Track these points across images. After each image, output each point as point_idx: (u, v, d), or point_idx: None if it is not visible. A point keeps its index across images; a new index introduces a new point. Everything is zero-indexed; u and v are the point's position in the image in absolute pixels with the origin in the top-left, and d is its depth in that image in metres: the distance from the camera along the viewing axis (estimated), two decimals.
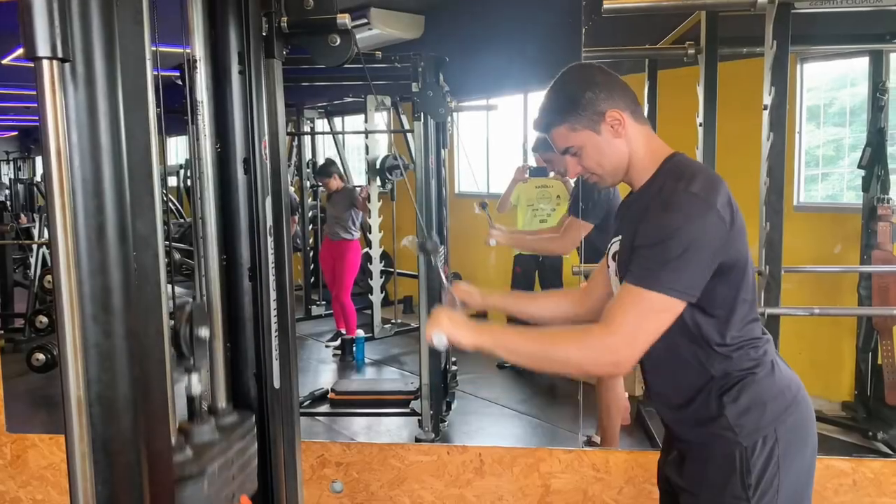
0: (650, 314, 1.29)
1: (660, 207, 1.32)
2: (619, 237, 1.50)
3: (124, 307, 0.97)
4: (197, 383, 1.29)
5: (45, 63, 0.83)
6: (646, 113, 3.85)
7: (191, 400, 1.29)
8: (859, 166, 3.75)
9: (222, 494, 1.28)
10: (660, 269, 1.28)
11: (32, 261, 6.24)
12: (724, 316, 1.38)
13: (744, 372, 1.40)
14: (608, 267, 1.57)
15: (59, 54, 0.83)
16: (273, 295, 1.51)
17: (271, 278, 1.51)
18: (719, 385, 1.40)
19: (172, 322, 1.21)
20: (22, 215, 8.97)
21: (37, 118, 0.86)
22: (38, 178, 12.00)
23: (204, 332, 1.27)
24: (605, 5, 1.98)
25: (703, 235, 1.29)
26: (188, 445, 1.25)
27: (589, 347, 1.31)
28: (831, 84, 4.58)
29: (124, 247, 0.97)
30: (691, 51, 3.13)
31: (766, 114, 1.93)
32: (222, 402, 1.42)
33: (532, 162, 5.16)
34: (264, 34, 1.50)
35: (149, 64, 1.07)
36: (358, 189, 5.99)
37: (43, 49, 0.82)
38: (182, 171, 8.53)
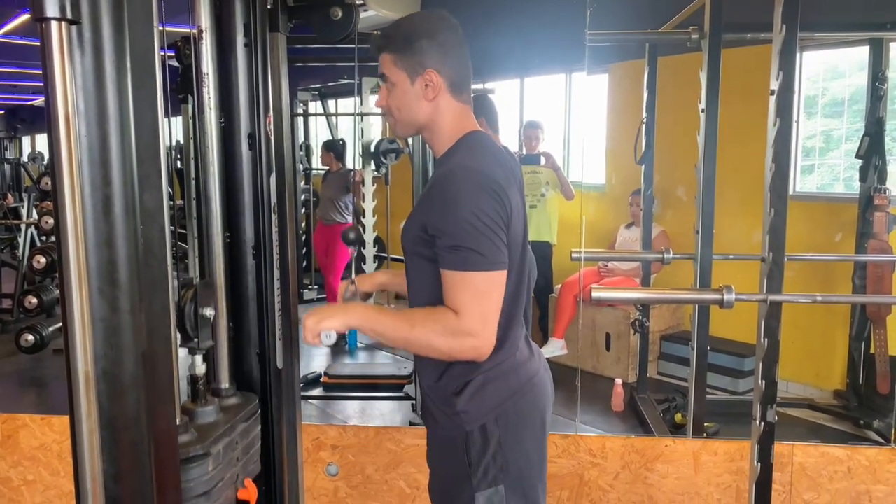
0: (483, 293, 1.29)
1: (442, 183, 1.32)
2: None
3: (130, 281, 0.94)
4: (201, 364, 1.26)
5: (54, 24, 0.79)
6: (644, 99, 3.89)
7: (195, 380, 1.27)
8: (857, 156, 3.74)
9: (227, 476, 1.26)
10: (466, 250, 1.27)
11: (20, 241, 6.16)
12: None
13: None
14: None
15: (69, 15, 0.80)
16: (276, 274, 1.49)
17: (275, 257, 1.48)
18: (460, 368, 1.39)
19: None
20: (9, 195, 8.86)
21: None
22: (24, 158, 11.84)
23: (209, 312, 1.24)
24: None
25: (484, 205, 1.28)
26: (192, 426, 1.23)
27: (448, 334, 1.30)
28: (824, 75, 4.56)
29: (131, 220, 0.94)
30: (695, 35, 3.10)
31: (773, 99, 1.90)
32: (225, 383, 1.40)
33: (524, 149, 5.15)
34: (269, 7, 1.47)
35: (156, 31, 1.03)
36: (352, 172, 5.95)
37: (52, 9, 0.78)
38: (173, 152, 8.43)
